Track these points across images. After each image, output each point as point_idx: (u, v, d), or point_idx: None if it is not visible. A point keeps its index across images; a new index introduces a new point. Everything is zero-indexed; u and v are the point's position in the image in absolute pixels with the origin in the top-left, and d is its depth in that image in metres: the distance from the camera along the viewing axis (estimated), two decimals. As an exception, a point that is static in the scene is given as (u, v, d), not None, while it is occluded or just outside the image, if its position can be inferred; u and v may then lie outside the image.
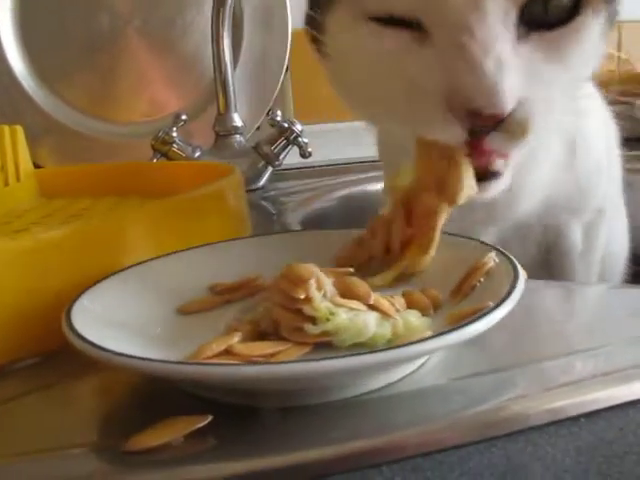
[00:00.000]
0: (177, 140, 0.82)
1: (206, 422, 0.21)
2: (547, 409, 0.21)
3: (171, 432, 0.21)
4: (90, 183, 0.75)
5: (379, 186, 0.92)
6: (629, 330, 0.29)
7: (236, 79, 0.94)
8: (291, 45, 0.96)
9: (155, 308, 0.32)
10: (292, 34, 0.96)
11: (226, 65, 0.83)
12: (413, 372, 0.25)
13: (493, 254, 0.29)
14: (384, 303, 0.26)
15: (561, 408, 0.21)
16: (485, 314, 0.23)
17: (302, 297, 0.26)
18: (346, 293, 0.27)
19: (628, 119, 1.21)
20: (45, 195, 0.76)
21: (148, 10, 0.94)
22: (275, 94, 0.96)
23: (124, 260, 0.37)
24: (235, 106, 0.86)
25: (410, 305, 0.29)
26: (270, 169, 0.86)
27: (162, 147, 0.82)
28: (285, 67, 0.97)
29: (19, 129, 0.75)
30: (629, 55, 1.28)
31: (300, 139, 0.83)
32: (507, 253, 0.29)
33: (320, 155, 1.05)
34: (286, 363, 0.23)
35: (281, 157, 0.84)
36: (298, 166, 0.98)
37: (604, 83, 1.23)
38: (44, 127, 0.93)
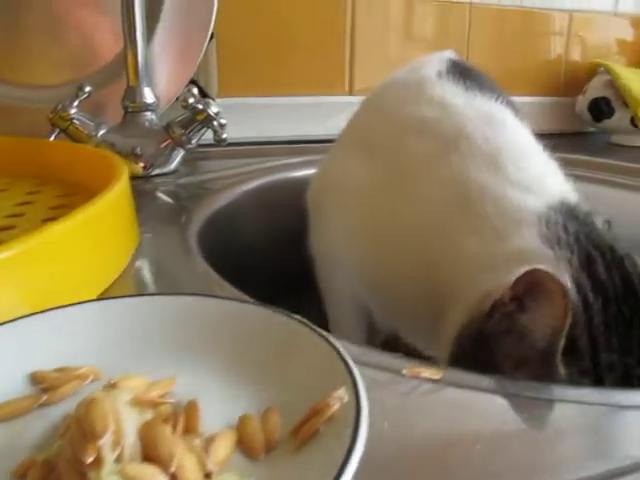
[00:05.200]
0: (77, 116, 0.74)
1: None
2: None
3: None
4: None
5: (303, 173, 0.87)
6: None
7: (155, 45, 0.86)
8: (218, 8, 0.87)
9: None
10: (220, -5, 0.87)
11: (135, 29, 0.74)
12: None
13: (342, 391, 0.25)
14: (188, 472, 0.22)
15: None
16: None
17: (88, 461, 0.21)
18: (149, 451, 0.22)
19: (569, 113, 1.18)
20: None
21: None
22: (197, 64, 0.88)
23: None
24: (149, 78, 0.78)
25: (240, 444, 0.24)
26: (182, 152, 0.79)
27: (61, 122, 0.74)
28: (210, 34, 0.88)
29: None
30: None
31: (215, 122, 0.76)
32: (360, 388, 0.25)
33: (245, 132, 0.99)
34: None
35: (194, 141, 0.78)
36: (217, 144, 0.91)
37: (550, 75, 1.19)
38: None
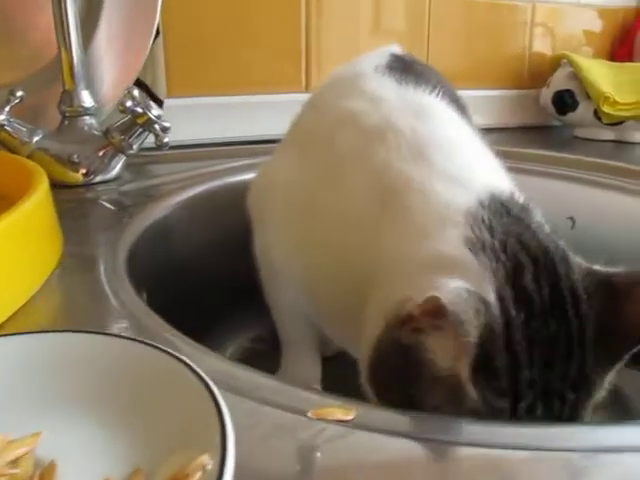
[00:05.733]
0: (9, 122, 0.70)
1: None
2: None
3: None
4: None
5: (252, 176, 0.83)
6: None
7: (97, 45, 0.82)
8: (163, 3, 0.83)
9: None
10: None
11: (69, 29, 0.70)
12: None
13: (205, 458, 0.22)
14: None
15: None
16: None
17: None
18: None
19: (533, 106, 1.15)
20: None
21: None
22: (142, 63, 0.84)
23: None
24: (88, 81, 0.74)
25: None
26: (123, 158, 0.75)
27: (-9, 129, 0.70)
28: (155, 30, 0.84)
29: None
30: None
31: (157, 126, 0.72)
32: (228, 452, 0.22)
33: (197, 133, 0.96)
34: None
35: (135, 146, 0.74)
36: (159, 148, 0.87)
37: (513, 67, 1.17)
38: None
